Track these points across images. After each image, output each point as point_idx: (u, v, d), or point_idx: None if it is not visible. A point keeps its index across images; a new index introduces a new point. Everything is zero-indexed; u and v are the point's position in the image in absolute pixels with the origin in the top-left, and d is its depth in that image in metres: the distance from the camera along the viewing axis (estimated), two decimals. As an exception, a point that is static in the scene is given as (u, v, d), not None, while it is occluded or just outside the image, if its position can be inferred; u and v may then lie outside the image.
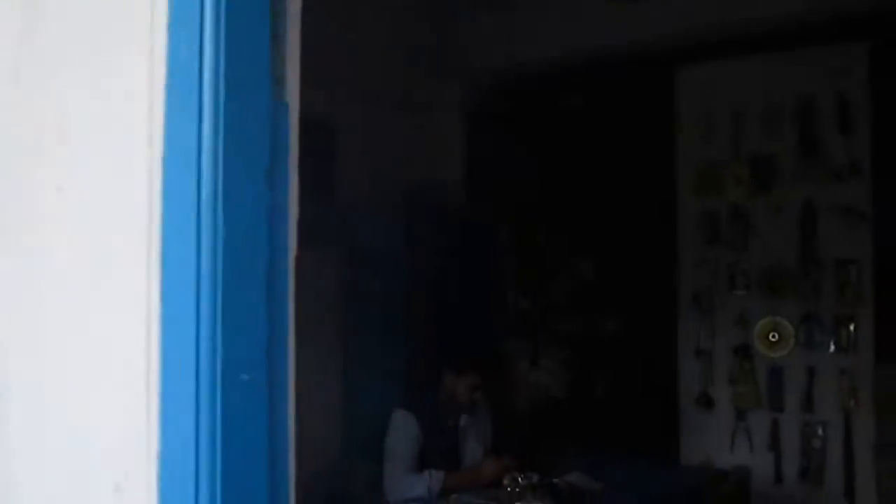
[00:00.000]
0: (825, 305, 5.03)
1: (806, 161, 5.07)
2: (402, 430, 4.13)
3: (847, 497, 4.96)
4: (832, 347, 4.99)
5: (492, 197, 5.80)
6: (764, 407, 5.21)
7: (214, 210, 1.18)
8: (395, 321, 5.12)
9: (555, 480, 4.11)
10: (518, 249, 5.86)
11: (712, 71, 5.37)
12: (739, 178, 5.26)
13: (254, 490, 1.20)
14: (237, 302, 1.23)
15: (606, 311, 6.40)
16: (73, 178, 1.42)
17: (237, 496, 1.18)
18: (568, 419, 6.37)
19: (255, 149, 1.27)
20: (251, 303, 1.25)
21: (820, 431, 5.04)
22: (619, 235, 6.66)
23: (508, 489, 3.81)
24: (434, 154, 5.71)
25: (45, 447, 1.44)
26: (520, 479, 3.78)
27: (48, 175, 1.46)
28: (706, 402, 5.36)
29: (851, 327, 4.94)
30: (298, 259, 1.38)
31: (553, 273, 6.08)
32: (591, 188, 6.38)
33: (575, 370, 6.02)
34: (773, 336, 5.14)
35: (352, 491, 4.38)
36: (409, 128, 5.58)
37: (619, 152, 5.59)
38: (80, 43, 1.43)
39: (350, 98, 5.22)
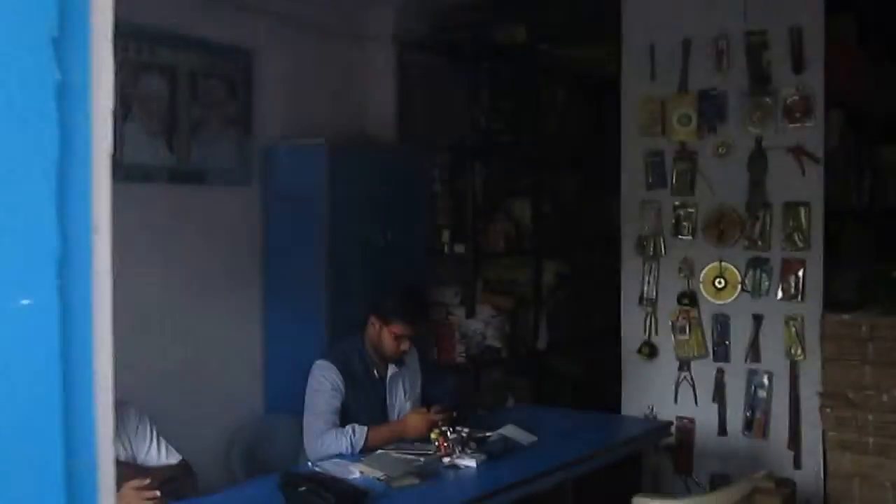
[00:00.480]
0: (773, 251, 4.80)
1: (756, 99, 4.80)
2: (322, 383, 3.83)
3: (792, 448, 4.77)
4: (780, 294, 4.76)
5: (425, 134, 5.46)
6: (708, 356, 4.99)
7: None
8: (318, 266, 4.79)
9: (487, 434, 3.85)
10: (452, 191, 5.52)
11: (660, -1, 5.08)
12: (687, 117, 4.98)
13: (42, 434, 0.89)
14: (11, 207, 0.90)
15: (546, 256, 6.14)
16: None
17: (15, 441, 0.88)
18: (505, 370, 6.13)
19: (34, 9, 0.92)
20: (33, 208, 0.91)
21: (766, 381, 4.83)
22: (560, 176, 6.41)
23: (435, 443, 3.53)
24: (363, 87, 5.36)
25: None
26: (448, 432, 3.50)
27: None
28: (649, 351, 5.13)
29: (800, 273, 4.71)
30: (114, 157, 1.04)
31: (489, 216, 5.78)
32: (531, 126, 6.09)
33: (513, 319, 5.75)
34: (720, 282, 4.91)
35: (274, 446, 4.08)
36: (337, 58, 5.22)
37: (560, 87, 5.27)
38: None
39: (272, 25, 4.87)
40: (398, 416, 3.93)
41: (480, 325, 5.40)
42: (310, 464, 3.50)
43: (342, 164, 4.84)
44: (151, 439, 3.20)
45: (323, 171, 4.80)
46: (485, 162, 5.75)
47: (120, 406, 3.15)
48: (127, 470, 3.04)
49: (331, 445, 3.67)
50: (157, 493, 2.77)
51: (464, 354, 5.37)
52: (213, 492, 3.32)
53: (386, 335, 3.86)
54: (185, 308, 4.57)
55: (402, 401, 4.00)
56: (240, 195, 4.85)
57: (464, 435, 3.51)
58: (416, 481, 3.29)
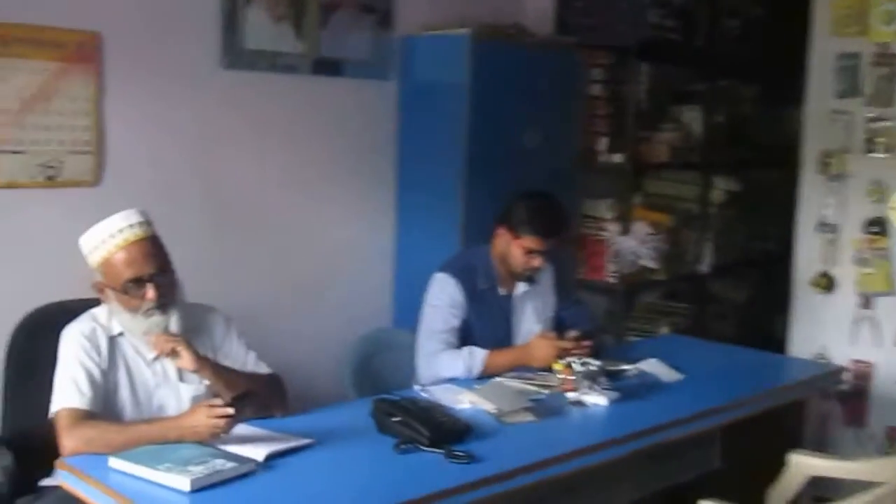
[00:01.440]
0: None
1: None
2: (440, 298, 3.44)
3: None
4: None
5: (585, 29, 4.90)
6: (895, 293, 4.32)
7: None
8: (455, 170, 4.36)
9: (624, 367, 3.38)
10: (612, 94, 4.96)
11: None
12: (890, 13, 4.24)
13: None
14: None
15: (714, 171, 5.50)
16: None
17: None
18: (661, 294, 5.59)
19: None
20: None
21: (962, 325, 4.14)
22: (736, 80, 5.70)
23: (559, 375, 3.09)
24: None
25: None
26: (575, 363, 3.05)
27: None
28: (826, 283, 4.50)
29: None
30: None
31: (653, 124, 5.18)
32: (706, 23, 5.40)
33: (673, 239, 5.18)
34: (915, 210, 4.21)
35: (394, 364, 3.72)
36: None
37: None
38: None
39: None
40: (525, 339, 3.49)
41: (635, 244, 4.86)
42: (417, 388, 3.13)
43: (487, 59, 4.38)
44: (237, 350, 2.88)
45: (465, 65, 4.35)
46: (651, 63, 5.13)
47: (207, 311, 2.87)
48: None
49: (444, 368, 3.29)
50: (230, 410, 2.44)
51: (616, 274, 4.86)
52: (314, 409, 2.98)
53: (514, 249, 3.42)
54: (312, 209, 4.29)
55: (531, 323, 3.57)
56: (375, 89, 4.49)
57: (593, 368, 3.05)
58: (532, 418, 2.87)
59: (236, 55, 3.92)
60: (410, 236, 4.57)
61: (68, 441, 2.49)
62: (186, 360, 2.62)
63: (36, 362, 2.77)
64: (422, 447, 2.56)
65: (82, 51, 3.48)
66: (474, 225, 4.23)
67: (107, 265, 2.66)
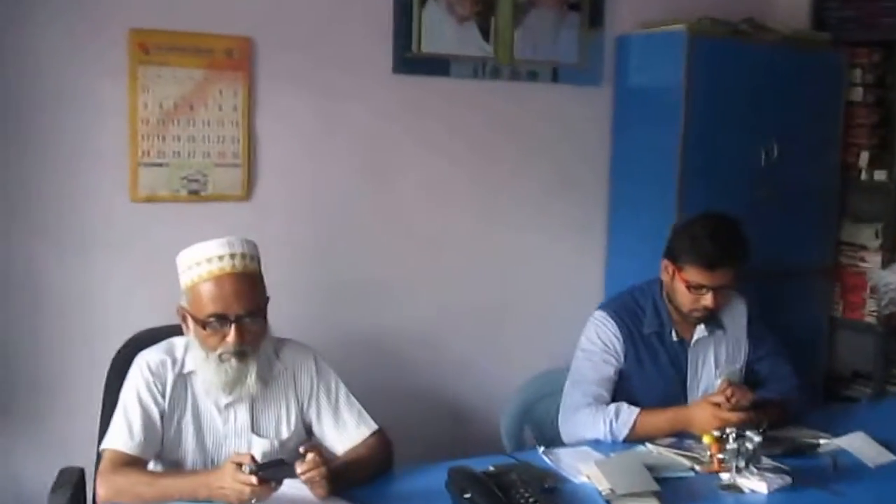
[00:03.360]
0: None
1: None
2: (594, 341, 2.90)
3: None
4: None
5: (845, 25, 4.11)
6: None
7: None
8: (670, 184, 3.78)
9: (816, 441, 2.67)
10: (878, 99, 4.12)
11: None
12: None
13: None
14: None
15: None
16: None
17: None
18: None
19: None
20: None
21: None
22: None
23: (709, 452, 2.47)
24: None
25: None
26: (730, 437, 2.41)
27: None
28: None
29: None
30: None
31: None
32: None
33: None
34: None
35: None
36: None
37: None
38: None
39: None
40: (702, 395, 2.86)
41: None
42: (540, 450, 2.61)
43: (711, 58, 3.75)
44: (337, 405, 2.54)
45: (681, 65, 3.74)
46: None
47: (296, 355, 2.52)
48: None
49: (584, 427, 2.75)
50: (253, 479, 2.08)
51: (875, 313, 4.02)
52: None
53: (678, 284, 2.81)
54: (501, 229, 3.88)
55: (710, 377, 2.92)
56: (584, 96, 4.00)
57: (750, 444, 2.39)
58: (655, 504, 2.27)
59: (410, 59, 3.58)
60: (622, 263, 4.02)
61: (101, 488, 2.27)
62: (320, 490, 2.22)
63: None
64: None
65: (232, 57, 3.29)
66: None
67: (193, 292, 2.35)
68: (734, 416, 2.59)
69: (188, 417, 2.41)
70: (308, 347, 2.60)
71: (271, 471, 2.13)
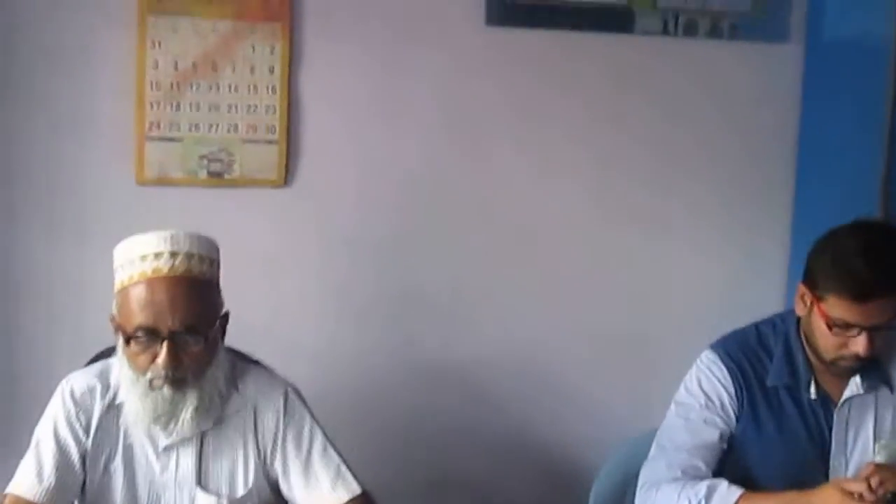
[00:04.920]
0: None
1: None
2: (695, 394, 2.10)
3: None
4: None
5: None
6: None
7: None
8: (874, 174, 2.82)
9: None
10: None
11: None
12: None
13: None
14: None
15: None
16: None
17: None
18: None
19: None
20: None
21: None
22: None
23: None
24: None
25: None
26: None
27: None
28: None
29: None
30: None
31: None
32: None
33: None
34: None
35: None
36: None
37: None
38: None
39: None
40: (854, 473, 2.01)
41: None
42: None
43: None
44: (312, 458, 2.00)
45: (888, 18, 2.78)
46: None
47: (263, 392, 2.01)
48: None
49: (661, 507, 1.90)
50: None
51: None
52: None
53: (817, 320, 1.98)
54: (641, 229, 3.02)
55: (867, 451, 2.05)
56: (762, 55, 3.04)
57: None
58: None
59: (511, 6, 2.81)
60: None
61: None
62: None
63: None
64: None
65: (268, 4, 2.64)
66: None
67: (122, 297, 1.89)
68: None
69: (118, 460, 1.97)
70: (280, 379, 2.06)
71: None
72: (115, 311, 1.91)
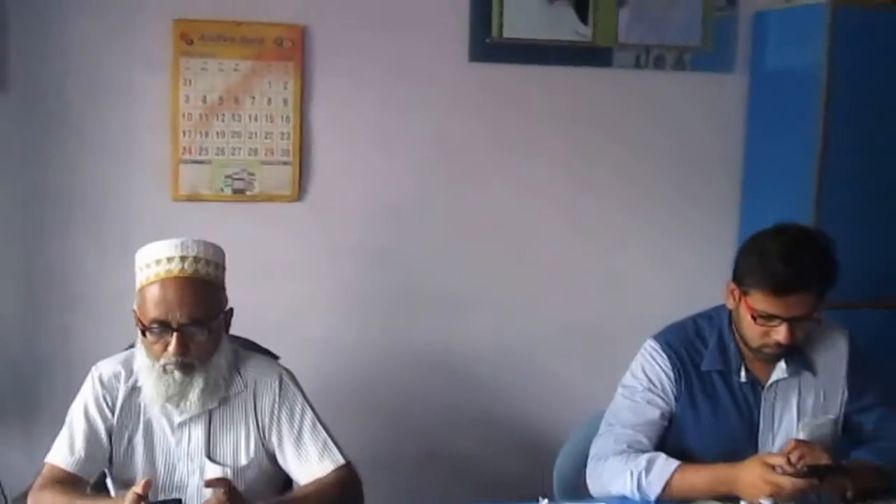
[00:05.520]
0: None
1: None
2: (638, 377, 2.40)
3: None
4: None
5: None
6: None
7: None
8: (804, 188, 3.21)
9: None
10: None
11: None
12: None
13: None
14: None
15: None
16: None
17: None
18: None
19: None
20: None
21: None
22: None
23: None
24: None
25: None
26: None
27: None
28: None
29: None
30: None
31: None
32: None
33: None
34: None
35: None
36: None
37: None
38: None
39: None
40: (778, 448, 2.30)
41: None
42: (543, 502, 2.15)
43: (858, 35, 3.13)
44: (302, 433, 2.24)
45: (820, 45, 3.13)
46: None
47: (261, 374, 2.25)
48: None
49: (612, 478, 2.26)
50: None
51: None
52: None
53: (744, 312, 2.26)
54: (603, 242, 3.43)
55: (791, 429, 2.34)
56: (710, 84, 3.45)
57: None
58: None
59: (490, 45, 3.19)
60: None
61: (30, 501, 2.14)
62: None
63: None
64: None
65: (282, 47, 3.05)
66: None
67: (141, 295, 2.15)
68: (787, 482, 2.05)
69: (139, 436, 2.21)
70: (276, 365, 2.33)
71: None
72: (135, 306, 2.16)
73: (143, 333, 2.12)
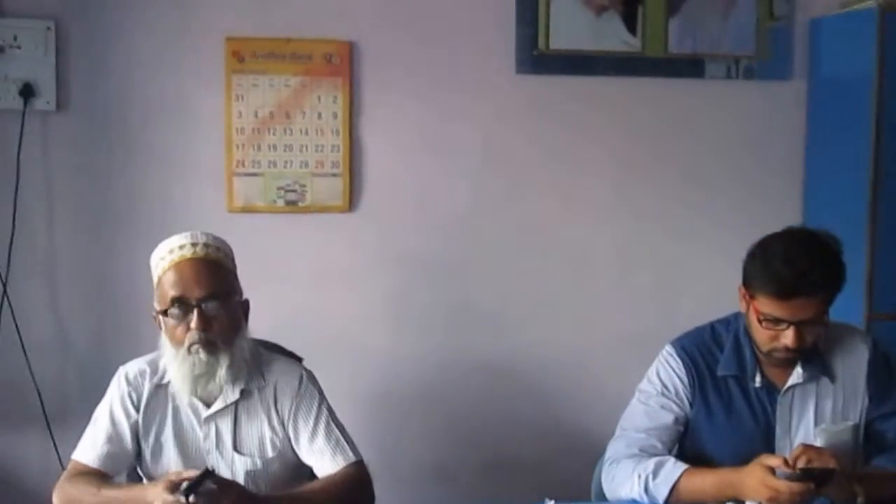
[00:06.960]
0: None
1: None
2: (653, 382, 2.39)
3: None
4: None
5: None
6: None
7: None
8: (860, 194, 3.14)
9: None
10: None
11: None
12: None
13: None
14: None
15: None
16: None
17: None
18: None
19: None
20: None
21: None
22: None
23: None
24: None
25: None
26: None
27: None
28: None
29: None
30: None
31: None
32: None
33: None
34: None
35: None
36: None
37: None
38: None
39: None
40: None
41: None
42: (550, 503, 2.18)
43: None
44: (316, 432, 2.30)
45: (871, 51, 3.08)
46: None
47: (283, 369, 2.33)
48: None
49: (622, 481, 2.26)
50: (182, 500, 1.93)
51: None
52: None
53: (752, 316, 2.24)
54: (660, 249, 3.42)
55: (808, 435, 2.29)
56: (768, 93, 3.42)
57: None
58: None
59: (538, 57, 3.24)
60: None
61: (54, 496, 2.23)
62: None
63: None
64: None
65: (331, 63, 3.16)
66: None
67: (159, 287, 2.24)
68: (783, 486, 2.01)
69: (168, 431, 2.29)
70: (298, 365, 2.40)
71: (195, 491, 1.94)
72: (155, 304, 2.22)
73: (164, 319, 2.19)
